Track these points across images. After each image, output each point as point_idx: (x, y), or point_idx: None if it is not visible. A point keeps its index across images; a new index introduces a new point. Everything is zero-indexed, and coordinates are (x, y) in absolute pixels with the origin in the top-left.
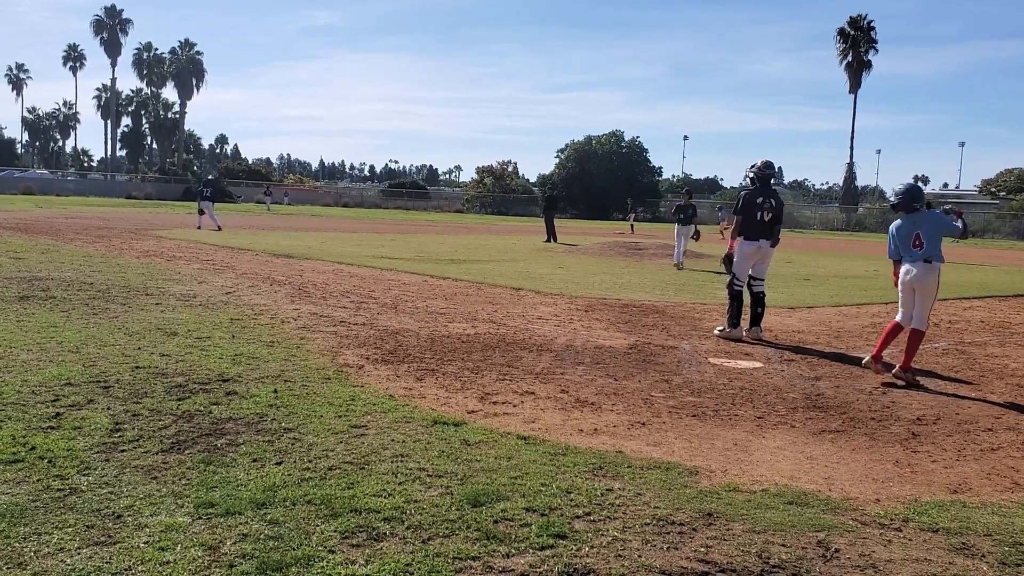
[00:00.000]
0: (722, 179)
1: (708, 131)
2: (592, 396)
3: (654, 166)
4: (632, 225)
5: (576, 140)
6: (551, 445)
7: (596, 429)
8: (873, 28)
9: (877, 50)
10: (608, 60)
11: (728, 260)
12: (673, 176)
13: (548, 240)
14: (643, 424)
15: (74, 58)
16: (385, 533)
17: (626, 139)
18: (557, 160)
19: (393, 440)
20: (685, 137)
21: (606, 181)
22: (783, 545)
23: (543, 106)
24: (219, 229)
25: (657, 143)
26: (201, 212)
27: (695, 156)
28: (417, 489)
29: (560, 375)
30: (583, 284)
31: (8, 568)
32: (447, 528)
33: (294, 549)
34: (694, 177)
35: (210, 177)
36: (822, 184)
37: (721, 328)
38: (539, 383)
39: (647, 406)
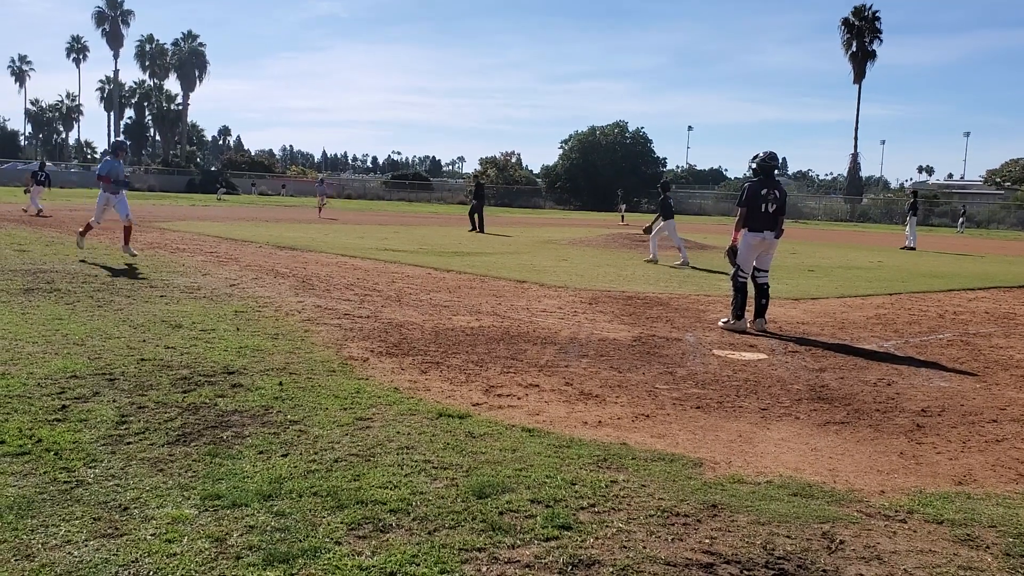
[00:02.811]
0: (726, 169)
1: (712, 121)
2: (596, 388)
3: (658, 156)
4: (623, 216)
5: (580, 131)
6: (556, 437)
7: (600, 421)
8: (878, 18)
9: (882, 40)
10: (612, 50)
11: (732, 252)
12: (677, 167)
13: (474, 230)
14: (647, 416)
15: (77, 50)
16: (391, 525)
17: (630, 130)
18: (561, 151)
19: (398, 432)
20: (689, 127)
21: (610, 172)
22: (788, 536)
23: (547, 97)
24: (38, 214)
25: (661, 133)
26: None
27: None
28: (423, 481)
29: (564, 368)
30: (587, 276)
31: (16, 560)
32: (452, 520)
33: (300, 541)
34: (699, 167)
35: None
36: (826, 175)
37: (726, 320)
38: (543, 376)
39: (651, 398)
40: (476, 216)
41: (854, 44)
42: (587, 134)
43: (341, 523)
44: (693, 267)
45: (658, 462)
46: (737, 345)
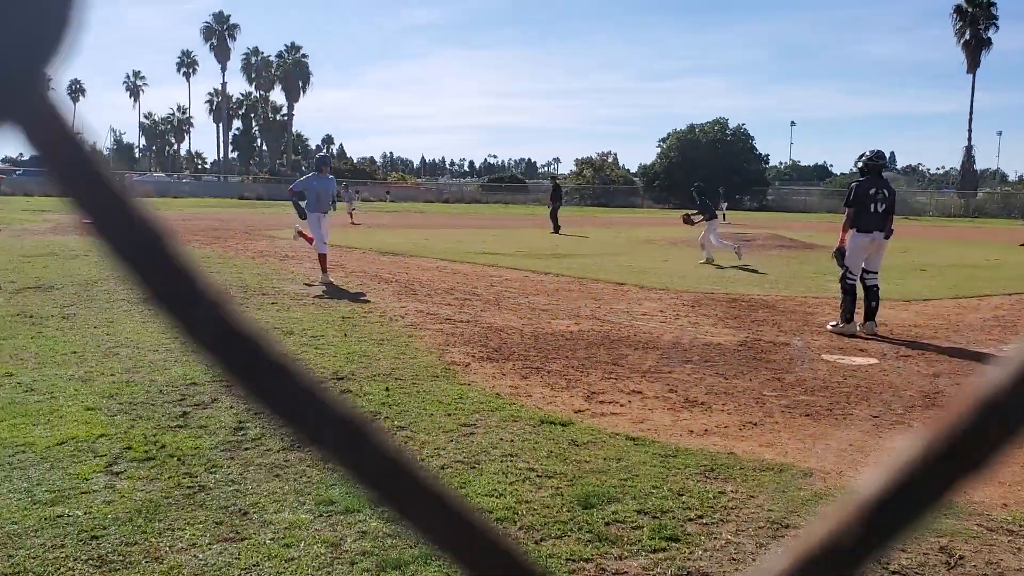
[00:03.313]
0: (831, 165)
1: (816, 117)
2: (701, 395)
3: (760, 154)
4: (724, 214)
5: (678, 129)
6: (661, 446)
7: (706, 430)
8: (993, 3)
9: (998, 27)
10: (709, 45)
11: (840, 254)
12: (780, 163)
13: (556, 231)
14: (755, 424)
15: (187, 64)
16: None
17: (731, 126)
18: (659, 149)
19: (502, 439)
20: (792, 123)
21: (711, 171)
22: (903, 551)
23: (643, 95)
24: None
25: (763, 130)
26: None
27: (803, 142)
28: (528, 489)
29: (667, 373)
30: (689, 278)
31: (146, 562)
32: (559, 529)
33: (412, 547)
34: (802, 163)
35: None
36: (938, 168)
37: (834, 323)
38: (646, 382)
39: (759, 405)
40: (554, 216)
41: (967, 32)
42: (686, 132)
43: None
44: (736, 266)
45: (767, 472)
46: (847, 349)
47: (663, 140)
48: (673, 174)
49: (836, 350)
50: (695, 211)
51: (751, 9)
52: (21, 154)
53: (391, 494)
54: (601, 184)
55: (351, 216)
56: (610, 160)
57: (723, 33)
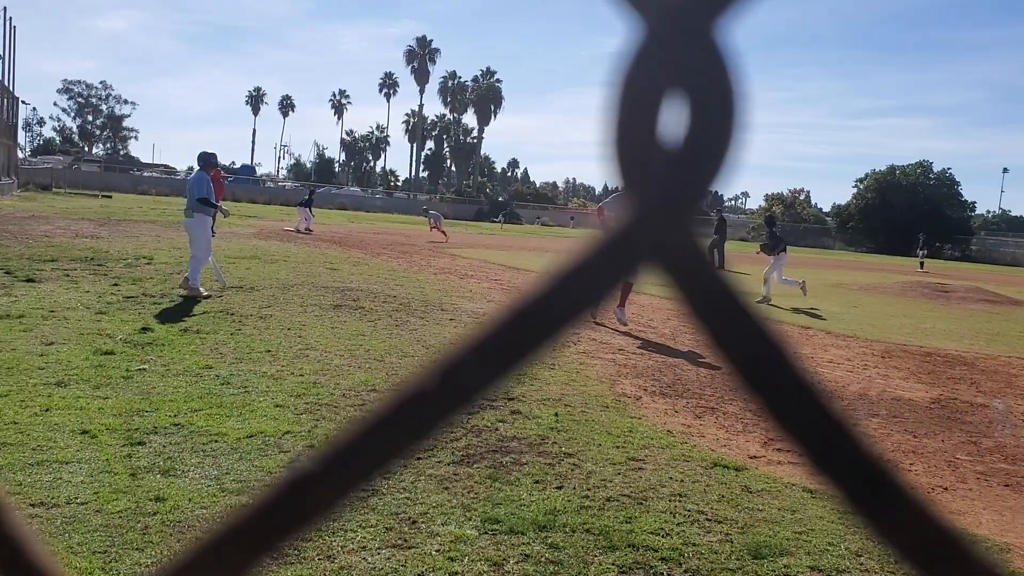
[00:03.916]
0: None
1: None
2: (888, 452)
3: (966, 200)
4: (922, 262)
5: (878, 169)
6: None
7: None
8: None
9: None
10: (916, 84)
11: None
12: (988, 212)
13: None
14: (945, 489)
15: (388, 85)
16: (662, 573)
17: (935, 170)
18: (855, 190)
19: (671, 478)
20: (1005, 170)
21: (910, 214)
22: None
23: (841, 133)
24: (305, 232)
25: (970, 175)
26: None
27: (1016, 191)
28: (695, 532)
29: (852, 426)
30: (879, 326)
31: (319, 560)
32: None
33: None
34: (1013, 213)
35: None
36: None
37: None
38: None
39: (951, 469)
40: (716, 251)
41: None
42: (886, 173)
43: (612, 564)
44: (799, 308)
45: None
46: None
47: (860, 180)
48: (869, 216)
49: None
50: (766, 244)
51: (968, 47)
52: (233, 162)
53: None
54: (791, 222)
55: (444, 234)
56: (802, 197)
57: (933, 72)
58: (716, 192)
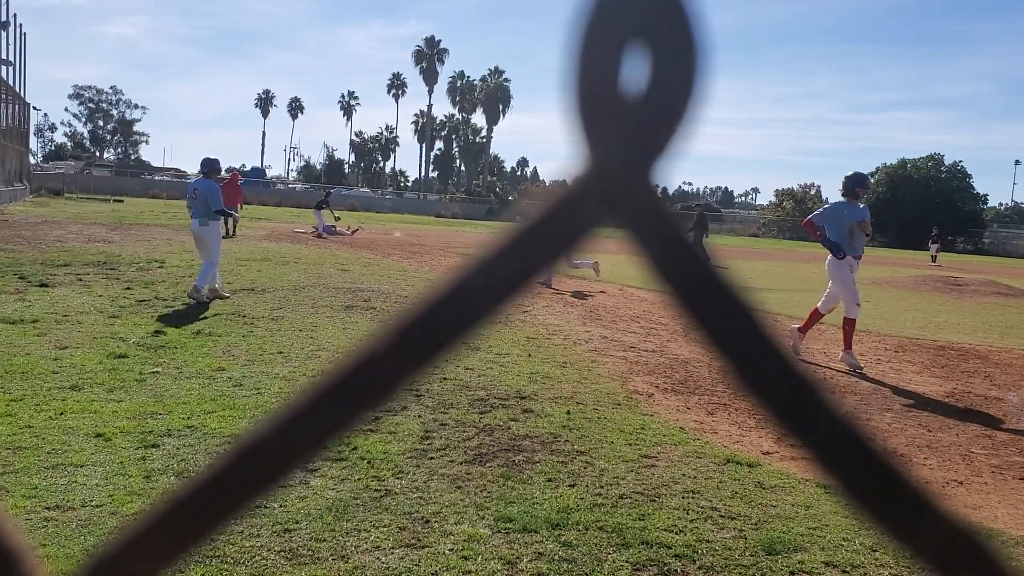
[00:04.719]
0: None
1: None
2: (901, 447)
3: (978, 193)
4: (934, 256)
5: (888, 163)
6: None
7: None
8: None
9: None
10: (926, 77)
11: None
12: (1000, 204)
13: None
14: (960, 483)
15: (397, 86)
16: (676, 570)
17: (946, 163)
18: None
19: (684, 475)
20: (1016, 162)
21: (921, 209)
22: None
23: (851, 127)
24: (320, 235)
25: (982, 168)
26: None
27: None
28: (709, 529)
29: (866, 421)
30: (892, 321)
31: (333, 559)
32: (740, 573)
33: (587, 574)
34: None
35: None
36: None
37: None
38: None
39: (965, 463)
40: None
41: None
42: (896, 167)
43: (626, 562)
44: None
45: None
46: None
47: (871, 174)
48: (881, 211)
49: None
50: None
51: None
52: (244, 165)
53: None
54: (802, 217)
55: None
56: (812, 193)
57: (944, 66)
58: (727, 188)
